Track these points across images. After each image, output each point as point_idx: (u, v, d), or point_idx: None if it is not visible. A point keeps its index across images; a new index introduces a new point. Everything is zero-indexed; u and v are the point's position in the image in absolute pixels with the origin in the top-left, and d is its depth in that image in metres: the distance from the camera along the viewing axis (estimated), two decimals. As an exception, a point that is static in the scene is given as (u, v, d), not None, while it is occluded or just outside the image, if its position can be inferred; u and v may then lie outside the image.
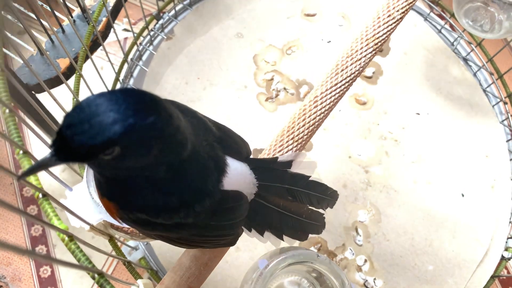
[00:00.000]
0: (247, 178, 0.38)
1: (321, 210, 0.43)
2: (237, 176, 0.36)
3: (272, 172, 0.41)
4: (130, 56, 0.78)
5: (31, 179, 0.32)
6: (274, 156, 0.47)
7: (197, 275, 0.42)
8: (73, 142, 0.25)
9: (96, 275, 0.30)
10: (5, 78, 0.33)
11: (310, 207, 0.42)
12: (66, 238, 0.30)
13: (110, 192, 0.32)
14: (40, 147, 0.84)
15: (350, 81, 0.50)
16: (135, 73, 0.78)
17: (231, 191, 0.35)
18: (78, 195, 0.44)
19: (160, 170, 0.30)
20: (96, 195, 0.43)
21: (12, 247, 0.17)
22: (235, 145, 0.38)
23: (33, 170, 0.27)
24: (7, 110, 0.33)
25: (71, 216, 0.41)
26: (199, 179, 0.33)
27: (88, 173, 0.43)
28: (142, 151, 0.27)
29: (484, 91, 0.80)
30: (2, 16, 0.36)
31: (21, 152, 0.32)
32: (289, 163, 0.41)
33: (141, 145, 0.27)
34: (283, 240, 0.42)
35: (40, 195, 0.31)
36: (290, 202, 0.41)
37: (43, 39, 0.67)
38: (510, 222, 0.71)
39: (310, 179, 0.41)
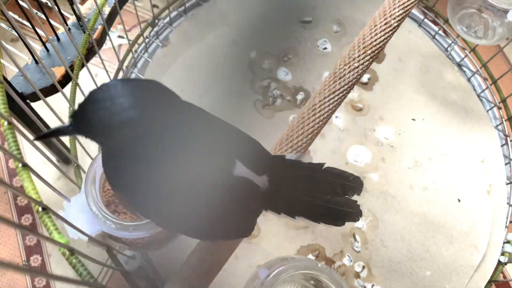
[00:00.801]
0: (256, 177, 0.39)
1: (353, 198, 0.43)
2: (245, 171, 0.37)
3: (284, 161, 0.42)
4: (125, 63, 0.77)
5: (31, 192, 0.31)
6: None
7: (197, 285, 0.42)
8: (93, 116, 0.27)
9: (97, 290, 0.30)
10: (3, 90, 0.33)
11: (336, 194, 0.42)
12: (67, 253, 0.30)
13: (121, 184, 0.33)
14: (36, 158, 0.83)
15: (348, 89, 0.50)
16: (130, 81, 0.78)
17: (241, 177, 0.37)
18: (76, 206, 0.43)
19: (168, 162, 0.31)
20: (94, 206, 0.42)
21: (17, 267, 0.16)
22: (248, 153, 0.39)
23: (49, 135, 0.29)
24: (5, 123, 0.33)
25: (69, 228, 0.40)
26: (207, 171, 0.34)
27: (86, 184, 0.43)
28: (152, 139, 0.29)
29: (478, 96, 0.80)
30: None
31: (20, 165, 0.32)
32: (298, 160, 0.43)
33: (152, 133, 0.28)
34: (319, 223, 0.43)
35: (40, 209, 0.31)
36: (310, 189, 0.41)
37: (37, 47, 0.67)
38: (506, 227, 0.71)
39: (327, 166, 0.42)
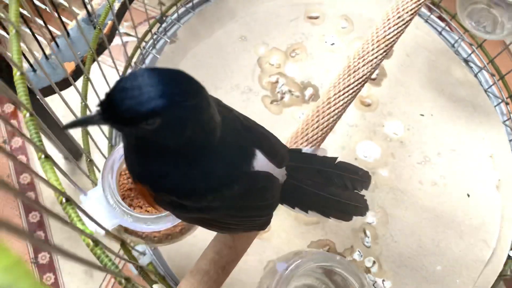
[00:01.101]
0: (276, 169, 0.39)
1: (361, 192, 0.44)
2: (266, 162, 0.37)
3: (301, 154, 0.43)
4: (133, 60, 0.77)
5: (54, 183, 0.31)
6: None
7: (215, 279, 0.42)
8: (122, 104, 0.27)
9: (123, 280, 0.30)
10: (25, 81, 0.33)
11: (346, 189, 0.43)
12: (92, 243, 0.30)
13: (143, 176, 0.33)
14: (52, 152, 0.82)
15: (362, 82, 0.50)
16: (138, 77, 0.78)
17: (261, 172, 0.36)
18: (93, 200, 0.43)
19: (190, 153, 0.31)
20: (112, 199, 0.42)
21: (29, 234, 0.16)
22: (268, 143, 0.38)
23: (78, 123, 0.29)
24: (27, 114, 0.33)
25: (87, 221, 0.40)
26: (228, 164, 0.34)
27: (103, 177, 0.43)
28: (178, 129, 0.29)
29: (486, 92, 0.80)
30: (19, 21, 0.36)
31: (43, 156, 0.32)
32: (313, 154, 0.44)
33: (179, 123, 0.28)
34: (329, 218, 0.43)
35: (64, 200, 0.31)
36: (324, 183, 0.42)
37: (45, 43, 0.67)
38: (515, 222, 0.71)
39: (339, 160, 0.43)
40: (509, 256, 0.69)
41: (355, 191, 0.44)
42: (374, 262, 0.67)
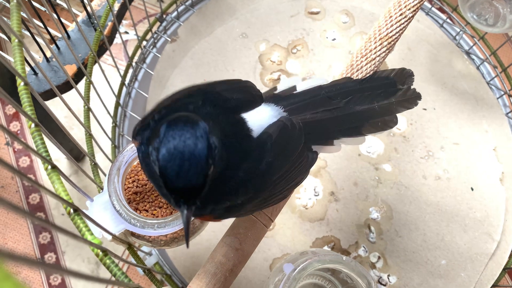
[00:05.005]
0: (270, 113, 0.40)
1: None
2: (261, 119, 0.39)
3: (301, 94, 0.43)
4: (134, 59, 0.77)
5: (62, 194, 0.31)
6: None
7: (223, 281, 0.42)
8: (190, 184, 0.30)
9: (133, 290, 0.30)
10: (29, 92, 0.33)
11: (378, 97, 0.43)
12: (101, 253, 0.30)
13: (203, 211, 0.36)
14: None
15: (365, 81, 0.50)
16: (139, 76, 0.78)
17: (267, 128, 0.38)
18: (99, 205, 0.43)
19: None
20: (118, 205, 0.42)
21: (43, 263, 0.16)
22: (245, 97, 0.40)
23: (188, 234, 0.32)
24: (33, 125, 0.33)
25: (93, 227, 0.40)
26: (244, 148, 0.36)
27: (109, 182, 0.43)
28: (218, 166, 0.32)
29: (488, 84, 0.80)
30: (21, 26, 0.36)
31: (49, 167, 0.32)
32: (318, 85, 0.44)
33: (219, 158, 0.32)
34: (365, 135, 0.43)
35: (72, 210, 0.31)
36: (339, 105, 0.42)
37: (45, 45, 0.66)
38: (519, 214, 0.72)
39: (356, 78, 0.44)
40: (513, 248, 0.69)
41: (400, 87, 0.43)
42: (379, 258, 0.67)
